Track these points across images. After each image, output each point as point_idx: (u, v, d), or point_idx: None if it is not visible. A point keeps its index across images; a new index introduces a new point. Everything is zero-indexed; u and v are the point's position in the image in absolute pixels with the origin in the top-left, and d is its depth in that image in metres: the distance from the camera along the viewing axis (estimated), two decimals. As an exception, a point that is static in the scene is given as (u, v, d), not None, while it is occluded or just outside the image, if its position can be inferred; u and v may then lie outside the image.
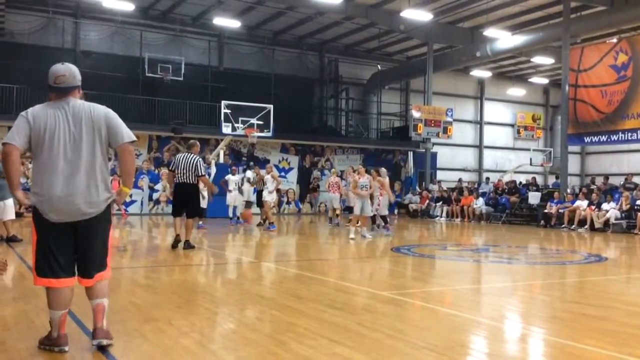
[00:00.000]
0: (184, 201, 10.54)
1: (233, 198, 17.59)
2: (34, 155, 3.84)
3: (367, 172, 14.23)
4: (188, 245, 10.33)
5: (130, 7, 22.55)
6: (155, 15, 25.91)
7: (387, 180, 15.31)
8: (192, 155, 10.54)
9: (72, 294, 3.99)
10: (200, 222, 16.01)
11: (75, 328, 4.53)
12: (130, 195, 22.42)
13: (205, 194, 16.28)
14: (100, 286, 4.06)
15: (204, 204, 16.33)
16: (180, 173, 10.38)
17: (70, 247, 3.92)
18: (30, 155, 3.92)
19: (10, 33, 23.44)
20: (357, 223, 14.13)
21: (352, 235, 13.26)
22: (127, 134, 3.95)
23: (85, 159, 3.83)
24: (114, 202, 4.05)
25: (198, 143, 11.15)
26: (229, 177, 17.57)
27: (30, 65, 22.11)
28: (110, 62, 24.50)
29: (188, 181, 10.37)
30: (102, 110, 3.95)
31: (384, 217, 15.31)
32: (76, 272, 4.00)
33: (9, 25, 23.24)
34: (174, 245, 10.46)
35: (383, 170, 15.92)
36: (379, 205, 15.16)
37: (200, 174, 10.42)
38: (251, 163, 22.08)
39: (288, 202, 26.74)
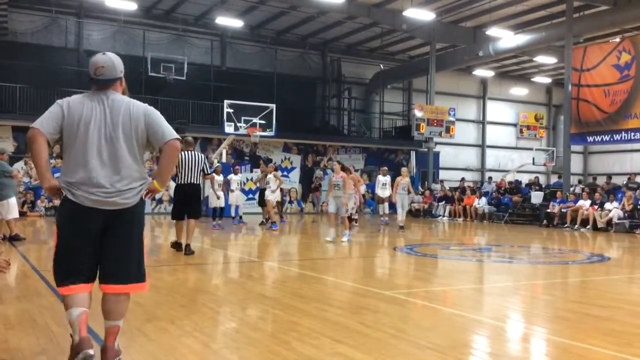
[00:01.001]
0: (187, 203, 9.86)
1: (235, 198, 17.57)
2: (65, 147, 3.55)
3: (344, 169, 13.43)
4: (189, 251, 9.65)
5: (133, 7, 22.57)
6: (158, 15, 25.93)
7: (357, 176, 15.41)
8: (195, 153, 9.92)
9: (91, 297, 3.56)
10: (215, 223, 15.99)
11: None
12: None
13: (220, 193, 16.37)
14: (122, 307, 3.60)
15: (220, 203, 16.46)
16: (184, 173, 9.67)
17: (96, 247, 3.50)
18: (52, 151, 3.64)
19: (14, 33, 23.48)
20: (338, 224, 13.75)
21: (329, 238, 12.41)
22: (169, 131, 3.63)
23: (120, 156, 3.51)
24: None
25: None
26: (231, 176, 17.54)
27: (34, 64, 22.19)
28: (113, 62, 24.49)
29: (193, 181, 9.73)
30: (141, 108, 3.66)
31: (349, 218, 14.28)
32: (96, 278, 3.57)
33: (12, 25, 23.27)
34: (181, 249, 9.89)
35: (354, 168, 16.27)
36: (355, 204, 15.84)
37: (207, 172, 10.00)
38: (273, 163, 22.06)
39: (290, 202, 26.73)
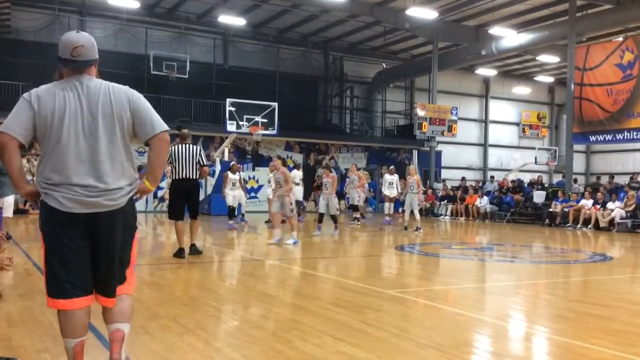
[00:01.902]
0: (186, 200, 9.13)
1: (236, 196, 17.03)
2: (41, 145, 3.13)
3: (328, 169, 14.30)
4: (195, 251, 9.13)
5: (135, 5, 22.58)
6: (160, 13, 25.94)
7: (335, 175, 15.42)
8: (191, 145, 9.11)
9: (89, 316, 3.21)
10: (231, 222, 15.69)
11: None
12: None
13: (239, 192, 16.26)
14: (121, 307, 3.23)
15: (234, 202, 16.17)
16: (180, 167, 8.92)
17: (86, 255, 3.12)
18: (35, 151, 3.45)
19: (16, 30, 23.51)
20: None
21: (273, 240, 11.64)
22: (159, 121, 3.21)
23: (102, 151, 3.08)
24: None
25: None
26: (230, 174, 16.98)
27: (36, 62, 22.21)
28: (115, 60, 24.46)
29: (190, 176, 8.95)
30: (124, 92, 3.21)
31: (321, 216, 13.95)
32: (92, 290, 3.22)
33: (14, 23, 23.30)
34: (184, 254, 9.03)
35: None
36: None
37: (203, 164, 9.10)
38: (297, 162, 22.18)
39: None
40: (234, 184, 16.35)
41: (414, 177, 15.49)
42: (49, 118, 3.05)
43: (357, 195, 17.80)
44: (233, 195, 16.37)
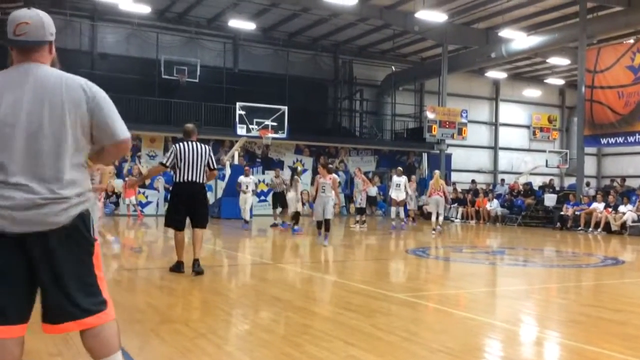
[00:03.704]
0: (189, 206, 7.72)
1: (245, 200, 16.85)
2: None
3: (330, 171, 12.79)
4: (197, 268, 7.62)
5: (146, 10, 22.73)
6: (171, 18, 26.09)
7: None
8: (198, 144, 7.81)
9: (21, 350, 2.61)
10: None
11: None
12: (147, 197, 22.63)
13: (248, 196, 16.17)
14: (106, 336, 2.64)
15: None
16: (186, 168, 7.59)
17: (22, 277, 2.54)
18: None
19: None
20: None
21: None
22: (122, 127, 2.68)
23: (46, 155, 2.52)
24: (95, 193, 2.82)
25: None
26: (242, 178, 16.95)
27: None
28: (126, 65, 24.73)
29: (195, 179, 7.63)
30: (81, 85, 2.62)
31: (320, 224, 12.47)
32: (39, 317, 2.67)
33: (27, 28, 23.51)
34: (183, 268, 7.72)
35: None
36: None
37: (213, 167, 7.85)
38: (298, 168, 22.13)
39: (303, 204, 26.75)
40: (246, 187, 16.51)
41: (440, 182, 15.87)
42: None
43: (361, 198, 17.82)
44: (245, 198, 16.52)
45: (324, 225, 12.13)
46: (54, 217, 2.50)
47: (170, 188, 8.27)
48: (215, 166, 8.07)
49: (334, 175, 12.69)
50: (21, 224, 2.46)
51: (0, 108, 2.51)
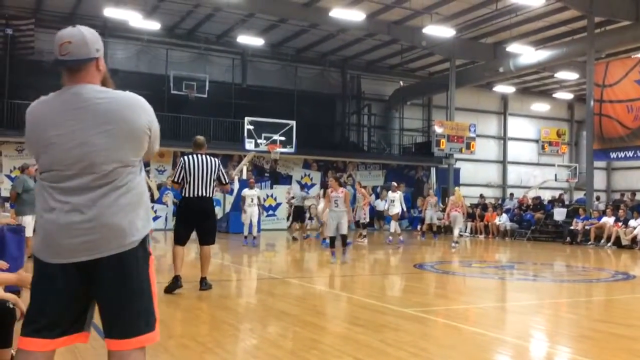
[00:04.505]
0: (197, 222, 7.49)
1: (250, 214, 15.81)
2: None
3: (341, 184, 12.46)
4: (205, 286, 7.53)
5: (156, 27, 22.97)
6: (180, 34, 26.34)
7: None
8: (208, 157, 7.56)
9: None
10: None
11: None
12: (155, 211, 22.70)
13: (254, 209, 15.69)
14: None
15: (253, 219, 15.54)
16: (195, 182, 7.34)
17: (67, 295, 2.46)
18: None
19: (40, 52, 23.97)
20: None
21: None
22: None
23: (95, 179, 2.43)
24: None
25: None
26: (246, 191, 16.23)
27: (59, 84, 22.61)
28: (136, 80, 24.82)
29: (205, 194, 7.40)
30: (126, 101, 2.55)
31: (333, 240, 11.76)
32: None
33: (38, 45, 23.78)
34: (172, 288, 7.28)
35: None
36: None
37: (225, 182, 7.74)
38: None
39: (310, 218, 26.75)
40: (252, 200, 15.82)
41: (460, 199, 16.57)
42: (39, 140, 2.51)
43: (363, 213, 17.81)
44: (251, 212, 15.75)
45: (341, 241, 11.57)
46: (117, 243, 2.52)
47: (178, 202, 8.02)
48: (228, 180, 7.92)
49: (344, 189, 12.10)
50: (74, 255, 2.48)
51: (53, 137, 2.45)
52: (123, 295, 2.46)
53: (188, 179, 7.37)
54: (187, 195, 7.42)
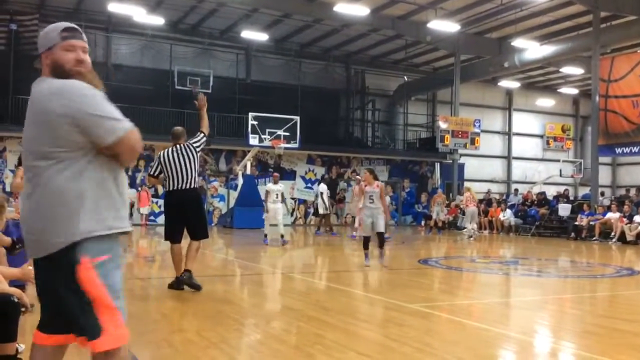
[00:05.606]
0: (184, 216, 7.13)
1: (274, 212, 14.44)
2: None
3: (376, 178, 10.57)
4: (188, 279, 7.07)
5: (160, 22, 22.96)
6: (184, 29, 26.33)
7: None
8: (185, 146, 7.23)
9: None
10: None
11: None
12: (160, 207, 22.74)
13: (278, 206, 14.35)
14: None
15: (278, 217, 14.32)
16: (174, 175, 7.07)
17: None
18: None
19: (44, 47, 24.04)
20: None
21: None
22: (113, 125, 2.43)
23: (30, 176, 2.42)
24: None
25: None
26: (270, 186, 14.73)
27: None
28: (140, 75, 24.94)
29: (187, 186, 7.08)
30: (48, 89, 2.39)
31: (367, 241, 10.51)
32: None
33: (43, 40, 23.82)
34: (178, 285, 7.13)
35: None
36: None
37: (206, 134, 7.42)
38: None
39: (314, 214, 26.78)
40: (277, 196, 14.47)
41: (473, 194, 18.70)
42: None
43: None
44: (275, 209, 14.39)
45: (378, 241, 10.22)
46: (53, 240, 2.49)
47: (164, 199, 7.59)
48: (206, 133, 7.50)
49: (379, 182, 10.49)
50: (33, 252, 2.54)
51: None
52: (54, 299, 2.43)
53: (167, 173, 7.12)
54: (169, 189, 7.17)
